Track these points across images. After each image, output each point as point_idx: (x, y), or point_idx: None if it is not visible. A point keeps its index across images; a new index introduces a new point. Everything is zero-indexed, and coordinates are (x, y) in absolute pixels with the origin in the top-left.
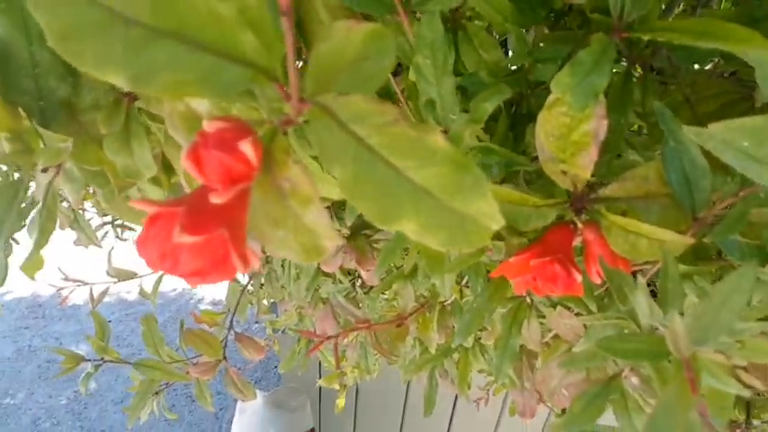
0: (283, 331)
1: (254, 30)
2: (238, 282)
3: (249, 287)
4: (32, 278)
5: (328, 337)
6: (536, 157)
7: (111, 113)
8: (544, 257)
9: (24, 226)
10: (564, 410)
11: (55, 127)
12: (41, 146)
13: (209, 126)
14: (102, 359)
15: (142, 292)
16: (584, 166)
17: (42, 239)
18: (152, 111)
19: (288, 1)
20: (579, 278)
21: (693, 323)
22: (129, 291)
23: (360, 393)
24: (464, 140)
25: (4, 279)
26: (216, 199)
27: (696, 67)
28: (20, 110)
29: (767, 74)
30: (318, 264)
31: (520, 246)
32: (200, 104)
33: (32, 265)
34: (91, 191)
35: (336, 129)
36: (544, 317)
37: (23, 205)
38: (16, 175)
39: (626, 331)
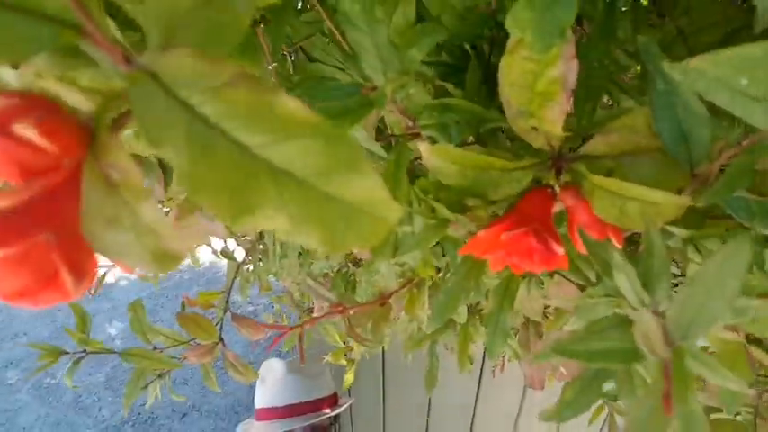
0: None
1: None
2: (235, 258)
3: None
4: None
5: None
6: None
7: None
8: (517, 229)
9: None
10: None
11: None
12: None
13: None
14: (85, 351)
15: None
16: (554, 119)
17: None
18: None
19: None
20: (560, 250)
21: (678, 314)
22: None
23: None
24: (385, 97)
25: None
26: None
27: None
28: None
29: None
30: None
31: (490, 217)
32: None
33: None
34: None
35: (162, 97)
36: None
37: None
38: None
39: (617, 311)
